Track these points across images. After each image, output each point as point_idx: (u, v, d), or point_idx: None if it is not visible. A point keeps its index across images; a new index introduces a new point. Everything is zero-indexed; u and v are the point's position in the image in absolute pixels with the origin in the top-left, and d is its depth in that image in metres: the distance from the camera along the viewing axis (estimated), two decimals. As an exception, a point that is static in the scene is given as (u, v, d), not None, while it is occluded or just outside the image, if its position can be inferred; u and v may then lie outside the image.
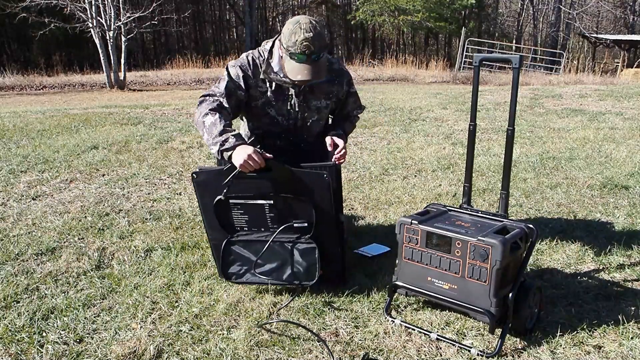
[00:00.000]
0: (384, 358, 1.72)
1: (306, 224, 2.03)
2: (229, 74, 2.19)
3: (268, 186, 2.00)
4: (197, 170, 2.03)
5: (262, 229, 2.08)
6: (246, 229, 2.10)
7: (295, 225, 2.04)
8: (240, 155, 1.91)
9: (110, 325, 1.89)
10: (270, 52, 2.21)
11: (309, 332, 1.83)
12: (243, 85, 2.19)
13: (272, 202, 2.02)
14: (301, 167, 1.99)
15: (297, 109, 2.30)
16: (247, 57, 2.23)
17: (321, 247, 2.05)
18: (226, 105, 2.13)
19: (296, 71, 2.06)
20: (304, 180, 1.97)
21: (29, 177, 3.81)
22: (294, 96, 2.27)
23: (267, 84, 2.24)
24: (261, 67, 2.20)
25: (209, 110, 2.06)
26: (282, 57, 2.14)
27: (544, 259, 2.45)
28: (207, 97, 2.14)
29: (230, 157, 1.95)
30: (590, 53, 23.52)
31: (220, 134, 1.98)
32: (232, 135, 1.98)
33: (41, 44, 20.51)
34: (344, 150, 2.25)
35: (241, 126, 2.48)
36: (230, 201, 2.04)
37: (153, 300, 2.07)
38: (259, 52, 2.24)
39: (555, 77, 14.08)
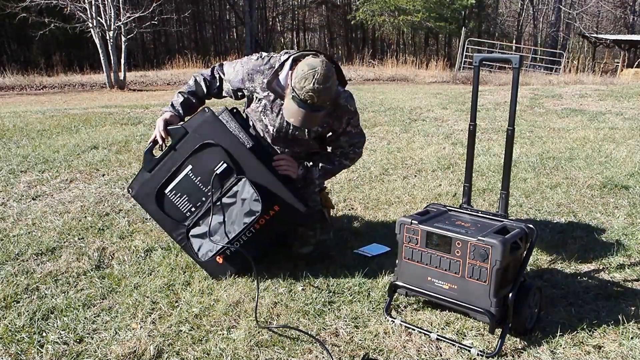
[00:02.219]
0: (384, 358, 1.72)
1: (225, 164, 2.10)
2: (231, 68, 2.34)
3: (180, 153, 2.15)
4: (128, 186, 2.22)
5: (204, 199, 2.16)
6: (193, 209, 2.19)
7: (218, 172, 2.10)
8: (157, 121, 2.23)
9: (110, 325, 1.89)
10: (282, 65, 2.18)
11: (307, 335, 1.83)
12: (239, 84, 2.32)
13: (191, 166, 2.14)
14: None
15: (290, 125, 2.28)
16: (255, 60, 2.28)
17: (258, 178, 2.10)
18: (218, 78, 2.36)
19: (291, 113, 2.05)
20: (195, 126, 2.14)
21: (29, 177, 3.81)
22: None
23: (265, 93, 2.25)
24: (264, 75, 2.22)
25: (202, 78, 2.35)
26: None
27: (544, 259, 2.45)
28: (212, 70, 2.38)
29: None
30: (590, 53, 23.52)
31: (174, 100, 2.32)
32: (173, 108, 2.29)
33: (41, 44, 20.53)
34: (283, 161, 2.20)
35: None
36: (166, 191, 2.18)
37: (153, 300, 2.07)
38: (269, 60, 2.25)
39: (555, 77, 14.08)
